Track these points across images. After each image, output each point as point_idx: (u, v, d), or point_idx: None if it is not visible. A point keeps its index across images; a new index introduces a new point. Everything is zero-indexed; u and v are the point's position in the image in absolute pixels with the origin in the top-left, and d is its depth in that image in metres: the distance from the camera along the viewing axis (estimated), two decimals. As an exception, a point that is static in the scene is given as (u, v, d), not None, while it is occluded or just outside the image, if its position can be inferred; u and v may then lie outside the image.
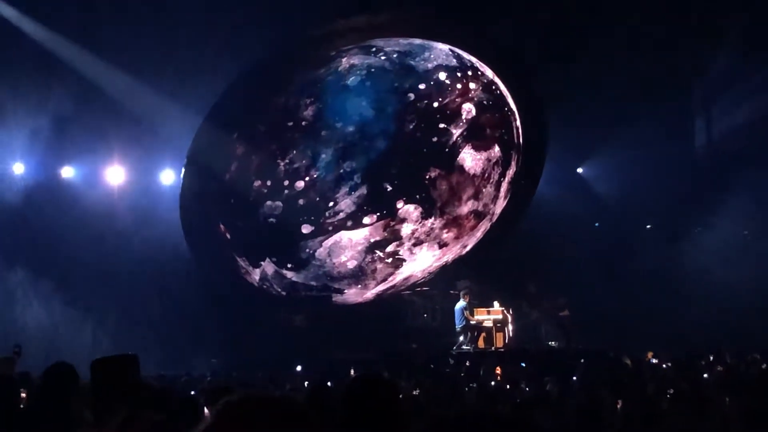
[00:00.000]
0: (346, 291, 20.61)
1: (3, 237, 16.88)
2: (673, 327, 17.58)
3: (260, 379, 13.04)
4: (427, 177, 20.54)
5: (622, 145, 19.58)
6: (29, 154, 17.18)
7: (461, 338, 17.98)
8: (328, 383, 8.90)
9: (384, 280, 20.85)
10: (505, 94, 20.13)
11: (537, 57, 19.01)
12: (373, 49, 19.89)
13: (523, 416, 5.93)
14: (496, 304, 18.58)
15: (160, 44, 16.20)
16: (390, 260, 20.71)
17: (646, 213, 21.14)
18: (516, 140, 20.46)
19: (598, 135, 20.17)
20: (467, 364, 15.88)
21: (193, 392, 8.96)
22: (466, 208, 20.77)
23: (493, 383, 11.88)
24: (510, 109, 20.25)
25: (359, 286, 20.71)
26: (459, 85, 20.23)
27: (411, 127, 20.44)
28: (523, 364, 15.54)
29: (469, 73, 20.17)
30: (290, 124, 20.14)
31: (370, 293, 20.83)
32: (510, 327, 18.55)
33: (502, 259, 19.91)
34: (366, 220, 20.42)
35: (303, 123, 20.18)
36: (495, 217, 20.91)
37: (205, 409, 4.67)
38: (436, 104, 20.35)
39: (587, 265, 19.31)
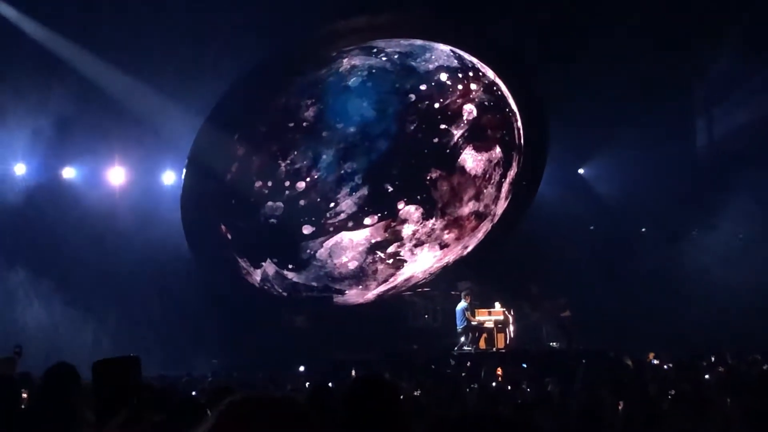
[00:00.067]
0: (347, 292, 20.61)
1: (4, 237, 16.91)
2: (673, 327, 17.55)
3: (261, 380, 13.05)
4: (428, 178, 20.54)
5: (622, 146, 19.61)
6: (30, 155, 17.22)
7: (462, 339, 17.96)
8: (329, 384, 8.90)
9: (385, 280, 20.85)
10: (506, 95, 20.14)
11: (537, 57, 19.01)
12: (374, 50, 19.89)
13: (524, 417, 5.93)
14: (497, 304, 18.55)
15: (160, 44, 16.22)
16: (391, 261, 20.71)
17: (647, 213, 21.11)
18: (517, 141, 20.46)
19: (599, 135, 20.18)
20: (468, 364, 15.85)
21: (193, 393, 8.97)
22: (467, 209, 20.77)
23: (494, 384, 11.88)
24: (511, 110, 20.25)
25: (360, 286, 20.71)
26: (460, 86, 20.24)
27: (412, 127, 20.45)
28: (525, 365, 15.51)
29: (470, 74, 20.17)
30: (291, 124, 20.15)
31: (371, 294, 20.83)
32: (511, 328, 18.52)
33: (503, 259, 19.92)
34: (367, 220, 20.42)
35: (304, 124, 20.20)
36: (496, 218, 20.91)
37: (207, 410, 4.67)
38: (437, 105, 20.36)
39: (588, 266, 19.33)
